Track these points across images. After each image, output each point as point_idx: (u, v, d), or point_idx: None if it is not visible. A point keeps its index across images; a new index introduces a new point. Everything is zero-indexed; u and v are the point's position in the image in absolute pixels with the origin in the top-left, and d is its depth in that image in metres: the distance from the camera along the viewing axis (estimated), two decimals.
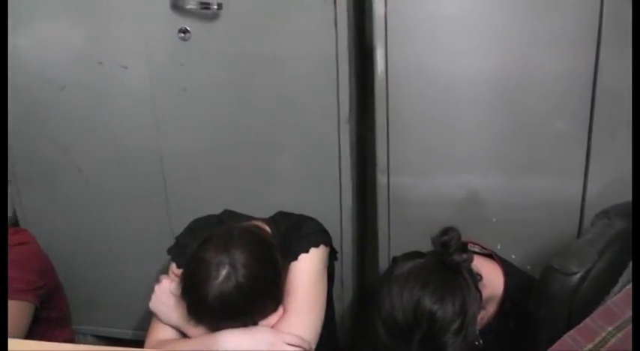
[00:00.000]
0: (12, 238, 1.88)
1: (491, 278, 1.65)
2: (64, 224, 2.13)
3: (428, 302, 1.48)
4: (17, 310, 1.74)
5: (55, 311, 1.93)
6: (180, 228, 1.90)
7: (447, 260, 1.58)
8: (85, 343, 2.19)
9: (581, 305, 1.40)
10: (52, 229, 2.11)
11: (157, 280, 1.71)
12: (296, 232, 1.71)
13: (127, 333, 2.25)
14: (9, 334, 1.59)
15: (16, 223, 2.20)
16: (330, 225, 1.80)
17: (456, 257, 1.58)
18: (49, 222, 2.12)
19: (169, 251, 1.79)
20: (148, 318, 1.82)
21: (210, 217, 1.83)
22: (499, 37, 1.70)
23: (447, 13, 1.71)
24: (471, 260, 1.60)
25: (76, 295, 2.12)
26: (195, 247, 1.57)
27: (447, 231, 1.65)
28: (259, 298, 1.55)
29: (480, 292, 1.57)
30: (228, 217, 1.82)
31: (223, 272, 1.48)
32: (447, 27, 1.72)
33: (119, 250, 2.13)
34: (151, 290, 1.71)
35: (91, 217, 2.10)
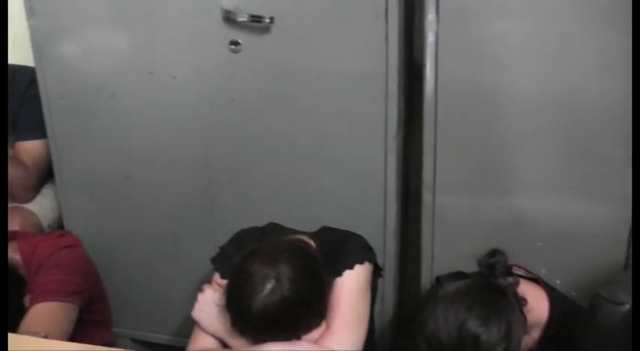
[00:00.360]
0: (58, 242, 1.91)
1: (536, 304, 1.63)
2: (109, 229, 2.15)
3: (473, 325, 1.48)
4: (62, 312, 1.77)
5: (97, 314, 1.95)
6: (223, 238, 1.92)
7: (492, 283, 1.57)
8: (123, 346, 2.20)
9: (629, 336, 1.38)
10: (97, 233, 2.13)
11: (201, 290, 1.72)
12: (341, 247, 1.72)
13: (165, 338, 2.26)
14: (54, 336, 1.63)
15: (60, 227, 2.24)
16: (373, 241, 1.80)
17: (502, 281, 1.58)
18: (94, 227, 2.14)
19: (213, 261, 1.80)
20: (186, 325, 1.84)
21: (255, 229, 1.84)
22: (553, 56, 1.67)
23: (499, 31, 1.69)
24: (517, 284, 1.59)
25: (117, 298, 2.14)
26: (241, 259, 1.58)
27: (493, 253, 1.64)
28: (303, 313, 1.56)
29: (525, 317, 1.55)
30: (273, 230, 1.83)
31: (269, 285, 1.49)
32: (500, 46, 1.70)
33: (162, 257, 2.14)
34: (194, 299, 1.72)
35: (136, 224, 2.12)
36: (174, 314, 2.15)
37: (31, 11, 1.96)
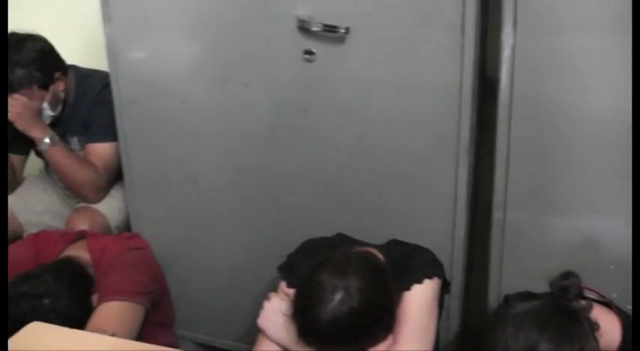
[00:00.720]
0: (127, 243, 1.94)
1: (609, 329, 1.58)
2: (175, 232, 2.17)
3: (545, 347, 1.45)
4: (130, 312, 1.79)
5: (161, 315, 1.98)
6: (290, 246, 1.91)
7: (565, 306, 1.53)
8: (185, 348, 2.22)
9: None
10: (164, 236, 2.15)
11: (267, 298, 1.72)
12: (410, 261, 1.70)
13: (228, 343, 2.26)
14: (121, 335, 1.65)
15: (127, 228, 2.27)
16: (440, 256, 1.78)
17: (576, 304, 1.54)
18: (161, 229, 2.16)
19: (280, 269, 1.81)
20: (250, 331, 1.84)
21: (323, 239, 1.83)
22: (630, 74, 1.63)
23: (578, 47, 1.65)
24: (590, 309, 1.55)
25: (181, 300, 2.15)
26: (310, 269, 1.58)
27: (567, 275, 1.61)
28: (371, 325, 1.55)
29: (597, 342, 1.51)
30: (342, 240, 1.82)
31: (337, 297, 1.49)
32: (578, 62, 1.66)
33: (227, 262, 2.15)
34: (259, 306, 1.73)
35: (202, 228, 2.13)
36: (238, 320, 2.16)
37: (107, 18, 2.00)
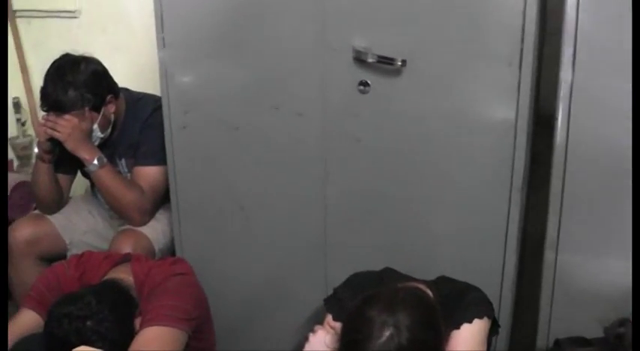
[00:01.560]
0: (172, 268, 1.93)
1: None
2: (219, 258, 2.16)
3: None
4: (173, 337, 1.76)
5: (203, 341, 1.95)
6: (335, 277, 1.90)
7: None
8: None
9: None
10: (208, 262, 2.13)
11: (312, 330, 1.71)
12: (459, 299, 1.67)
13: None
14: None
15: (171, 251, 2.27)
16: (488, 294, 1.73)
17: None
18: (205, 255, 2.15)
19: (326, 302, 1.79)
20: None
21: (370, 272, 1.81)
22: None
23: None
24: None
25: (222, 326, 2.13)
26: (359, 303, 1.55)
27: (623, 322, 1.57)
28: None
29: None
30: (389, 275, 1.80)
31: (386, 333, 1.46)
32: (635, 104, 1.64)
33: (271, 292, 2.13)
34: (303, 338, 1.71)
35: (247, 255, 2.12)
36: (280, 348, 2.14)
37: (162, 42, 2.01)
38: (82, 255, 2.05)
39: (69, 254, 2.35)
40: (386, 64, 1.76)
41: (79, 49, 2.27)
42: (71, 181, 2.45)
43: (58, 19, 2.89)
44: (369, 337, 1.46)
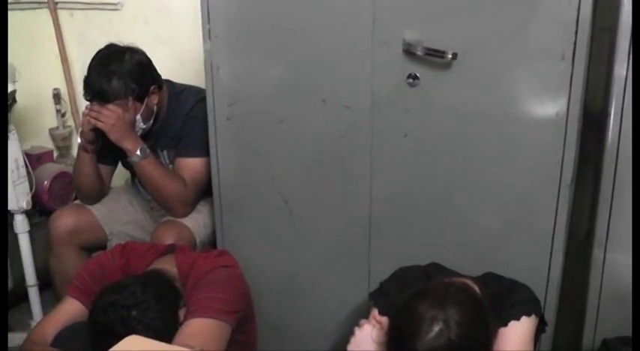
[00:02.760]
0: (217, 260, 1.93)
1: None
2: (262, 251, 2.15)
3: None
4: (218, 330, 1.76)
5: (246, 335, 1.95)
6: (378, 272, 1.89)
7: None
8: None
9: None
10: (251, 254, 2.13)
11: (358, 324, 1.70)
12: (507, 296, 1.66)
13: None
14: None
15: (212, 243, 2.27)
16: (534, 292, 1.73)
17: None
18: (247, 247, 2.15)
19: (372, 296, 1.78)
20: None
21: (417, 267, 1.80)
22: None
23: None
24: None
25: (264, 320, 2.13)
26: (408, 298, 1.55)
27: None
28: None
29: None
30: (436, 270, 1.79)
31: (436, 328, 1.46)
32: None
33: (313, 284, 2.12)
34: (350, 333, 1.70)
35: (290, 249, 2.11)
36: (323, 342, 2.14)
37: (208, 34, 2.01)
38: (126, 245, 2.06)
39: (109, 245, 2.37)
40: (436, 57, 1.74)
41: (123, 40, 2.28)
42: (112, 172, 2.47)
43: (100, 11, 2.89)
44: (418, 333, 1.46)
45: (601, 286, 1.81)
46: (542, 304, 1.80)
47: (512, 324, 1.61)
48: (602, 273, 1.80)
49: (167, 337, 1.70)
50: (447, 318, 1.46)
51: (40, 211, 2.75)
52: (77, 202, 2.47)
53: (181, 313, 1.79)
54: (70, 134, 3.14)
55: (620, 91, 1.69)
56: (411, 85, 1.80)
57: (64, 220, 2.35)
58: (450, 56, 1.72)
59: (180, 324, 1.77)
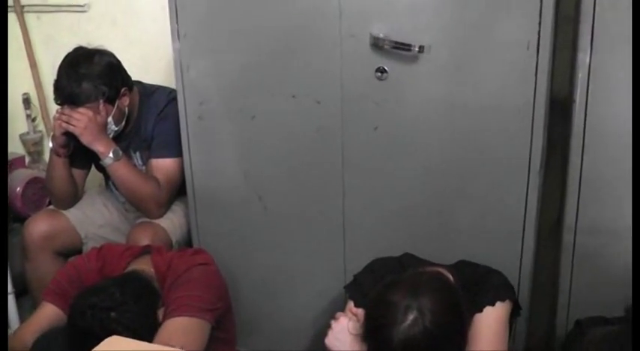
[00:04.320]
0: (193, 258, 1.93)
1: None
2: (238, 248, 2.16)
3: None
4: (197, 328, 1.78)
5: (224, 332, 1.96)
6: (353, 265, 1.91)
7: None
8: None
9: None
10: (225, 252, 2.14)
11: (334, 317, 1.71)
12: (481, 283, 1.69)
13: None
14: None
15: (188, 243, 2.27)
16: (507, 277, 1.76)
17: None
18: (223, 245, 2.16)
19: (347, 288, 1.80)
20: (311, 349, 1.81)
21: (391, 258, 1.83)
22: None
23: None
24: None
25: (243, 317, 2.15)
26: (382, 289, 1.57)
27: None
28: (443, 346, 1.52)
29: None
30: (409, 260, 1.81)
31: (411, 317, 1.48)
32: None
33: (290, 279, 2.14)
34: (327, 326, 1.72)
35: (265, 245, 2.13)
36: (300, 336, 2.15)
37: (176, 34, 2.01)
38: (102, 247, 2.06)
39: (85, 248, 2.37)
40: (403, 51, 1.76)
41: (92, 42, 2.27)
42: (86, 176, 2.46)
43: (68, 14, 2.88)
44: (394, 322, 1.48)
45: (572, 270, 1.84)
46: (515, 289, 1.83)
47: (487, 309, 1.63)
48: (573, 256, 1.83)
49: (147, 337, 1.71)
50: (420, 306, 1.47)
51: (14, 218, 2.73)
52: (51, 207, 2.45)
53: (160, 312, 1.80)
54: (41, 139, 3.13)
55: (585, 78, 1.72)
56: (380, 78, 1.81)
57: (39, 225, 2.34)
58: (417, 49, 1.74)
59: (160, 324, 1.77)
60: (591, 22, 1.66)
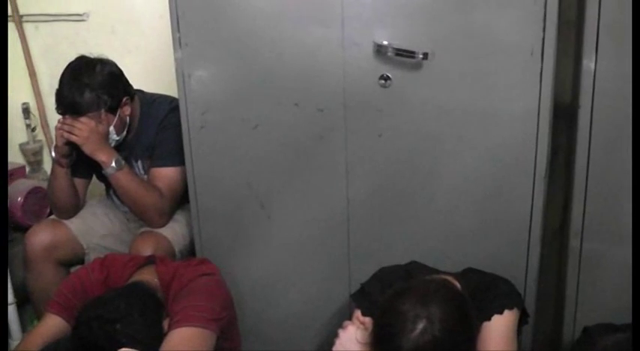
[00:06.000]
0: (198, 268, 1.92)
1: None
2: (241, 257, 2.15)
3: None
4: (202, 338, 1.76)
5: (229, 341, 1.95)
6: (358, 272, 1.90)
7: None
8: None
9: None
10: (228, 261, 2.13)
11: (342, 326, 1.71)
12: (489, 291, 1.68)
13: None
14: None
15: (191, 253, 2.26)
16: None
17: None
18: (226, 255, 2.14)
19: (354, 297, 1.79)
20: None
21: (397, 267, 1.82)
22: None
23: None
24: None
25: (247, 325, 2.14)
26: (390, 298, 1.56)
27: None
28: None
29: None
30: (416, 269, 1.80)
31: (420, 326, 1.47)
32: None
33: (294, 287, 2.12)
34: (335, 335, 1.71)
35: (269, 254, 2.11)
36: (307, 346, 2.14)
37: (178, 43, 2.00)
38: (105, 258, 2.05)
39: (87, 259, 2.35)
40: (406, 58, 1.75)
41: (94, 51, 2.26)
42: (87, 185, 2.44)
43: (66, 23, 2.88)
44: (403, 331, 1.47)
45: (579, 276, 1.84)
46: (522, 296, 1.83)
47: (495, 317, 1.62)
48: (579, 262, 1.83)
49: (153, 348, 1.70)
50: (429, 315, 1.47)
51: (14, 228, 2.71)
52: (52, 217, 2.44)
53: (165, 323, 1.79)
54: (41, 149, 3.12)
55: (590, 84, 1.72)
56: (383, 86, 1.81)
57: (40, 236, 2.32)
58: (421, 56, 1.74)
59: (165, 334, 1.76)
60: (596, 28, 1.67)
